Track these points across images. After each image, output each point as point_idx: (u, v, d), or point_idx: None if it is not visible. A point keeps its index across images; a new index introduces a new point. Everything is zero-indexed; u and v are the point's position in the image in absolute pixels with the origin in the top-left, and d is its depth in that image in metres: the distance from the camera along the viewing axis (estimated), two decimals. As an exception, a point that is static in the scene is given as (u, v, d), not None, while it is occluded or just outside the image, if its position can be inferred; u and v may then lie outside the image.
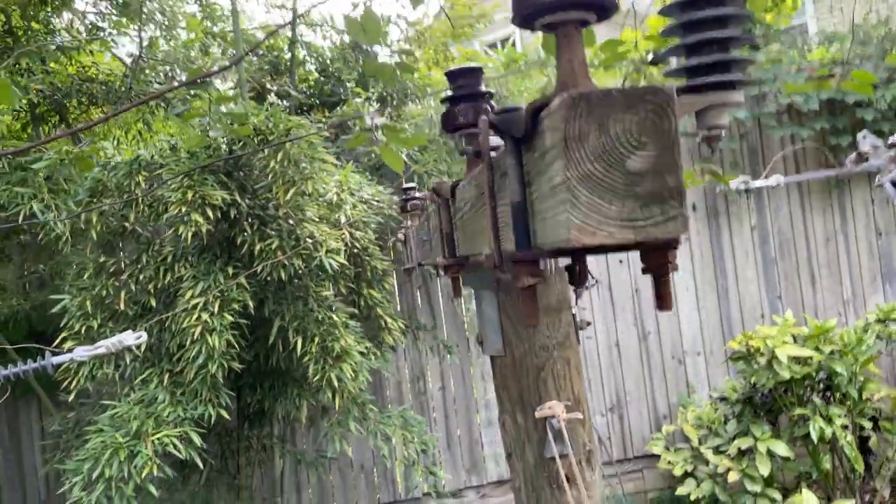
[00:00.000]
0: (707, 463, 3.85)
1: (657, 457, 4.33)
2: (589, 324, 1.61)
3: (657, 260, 0.63)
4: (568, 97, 0.56)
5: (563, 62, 0.68)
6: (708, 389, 4.63)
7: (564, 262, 1.35)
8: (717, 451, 3.87)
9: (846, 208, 4.81)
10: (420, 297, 4.46)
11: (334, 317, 2.78)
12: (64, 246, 2.70)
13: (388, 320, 3.26)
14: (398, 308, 4.40)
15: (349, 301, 3.22)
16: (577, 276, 1.40)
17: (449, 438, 4.52)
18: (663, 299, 0.71)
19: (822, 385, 3.84)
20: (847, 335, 3.70)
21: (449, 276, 1.05)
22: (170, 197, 2.54)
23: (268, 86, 3.73)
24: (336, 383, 2.67)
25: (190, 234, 2.51)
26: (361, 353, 2.83)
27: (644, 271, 0.70)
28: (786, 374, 3.51)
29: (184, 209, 2.51)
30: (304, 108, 3.92)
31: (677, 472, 4.02)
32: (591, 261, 4.65)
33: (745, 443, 3.68)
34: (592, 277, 1.38)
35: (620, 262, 4.68)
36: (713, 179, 1.83)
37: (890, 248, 4.83)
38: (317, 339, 2.70)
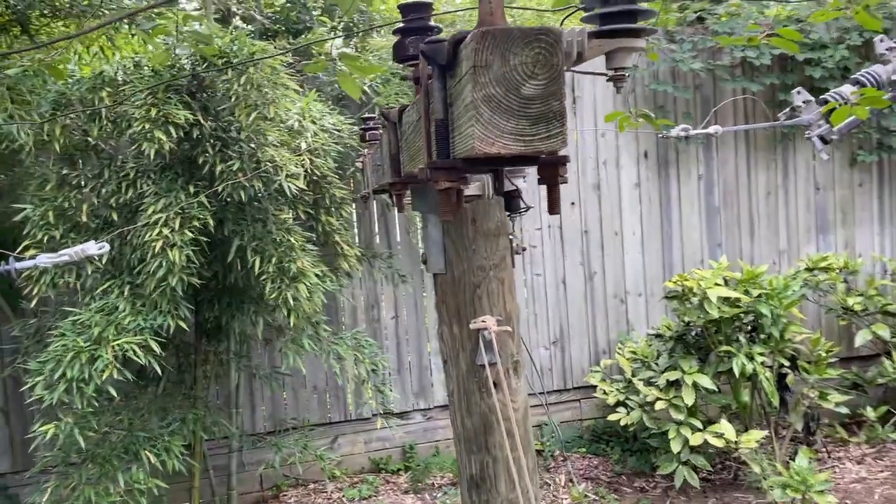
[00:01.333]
0: (638, 393, 4.13)
1: (594, 388, 4.61)
2: (524, 249, 1.77)
3: (550, 173, 0.78)
4: (478, 32, 0.70)
5: (483, 3, 0.81)
6: (646, 328, 4.90)
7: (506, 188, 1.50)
8: (648, 382, 4.14)
9: (789, 164, 5.05)
10: (378, 227, 4.59)
11: (292, 239, 2.90)
12: (27, 157, 2.75)
13: (345, 247, 3.40)
14: (357, 237, 4.53)
15: (307, 227, 3.35)
16: (511, 203, 1.56)
17: (400, 364, 4.72)
18: (553, 205, 0.86)
19: (749, 326, 4.12)
20: (775, 281, 3.96)
21: (394, 194, 1.18)
22: (133, 114, 2.60)
23: (233, 9, 3.74)
24: (291, 302, 2.82)
25: (153, 152, 2.59)
26: (317, 276, 2.97)
27: (540, 182, 0.84)
28: (714, 314, 3.77)
29: (147, 126, 2.58)
30: (269, 34, 3.94)
31: (611, 401, 4.30)
32: (545, 203, 4.80)
33: (673, 376, 3.96)
34: (525, 204, 1.53)
35: (572, 204, 4.86)
36: (647, 122, 1.97)
37: (825, 203, 5.10)
38: (274, 260, 2.83)
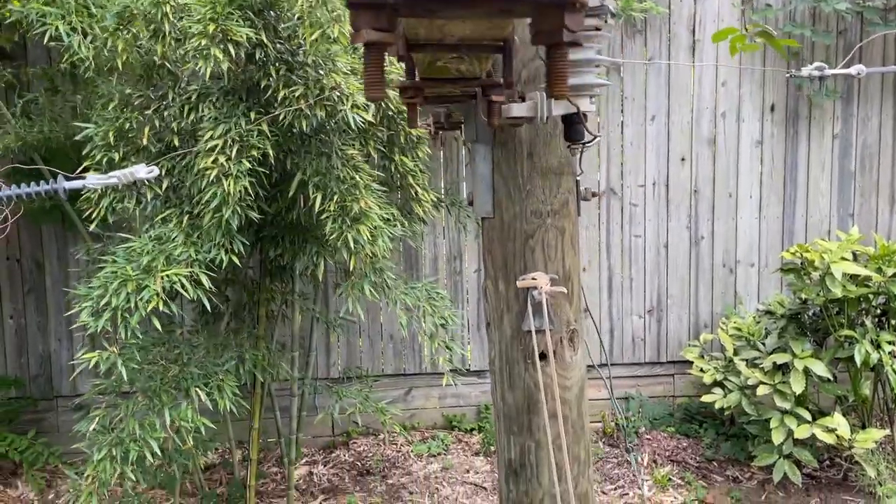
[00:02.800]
0: (739, 374, 3.69)
1: (690, 363, 4.20)
2: (595, 194, 1.44)
3: (550, 23, 0.47)
4: None
5: None
6: (756, 303, 4.41)
7: (559, 111, 1.17)
8: (751, 363, 3.70)
9: (946, 125, 4.33)
10: (465, 173, 4.31)
11: (357, 177, 2.66)
12: (86, 72, 2.63)
13: (420, 191, 3.13)
14: (441, 181, 4.27)
15: (380, 166, 3.10)
16: (573, 130, 1.23)
17: (479, 320, 4.47)
18: (555, 81, 0.54)
19: (878, 310, 3.58)
20: (916, 260, 3.39)
21: (404, 101, 0.89)
22: (190, 28, 2.41)
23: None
24: (352, 244, 2.60)
25: (209, 70, 2.39)
26: (386, 219, 2.73)
27: (535, 40, 0.53)
28: (838, 292, 3.27)
29: (203, 42, 2.38)
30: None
31: (707, 380, 3.88)
32: (652, 156, 4.38)
33: (781, 358, 3.49)
34: (590, 132, 1.20)
35: (682, 160, 4.39)
36: (768, 44, 1.56)
37: None
38: (336, 198, 2.61)
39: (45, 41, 2.60)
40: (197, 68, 2.40)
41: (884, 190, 4.40)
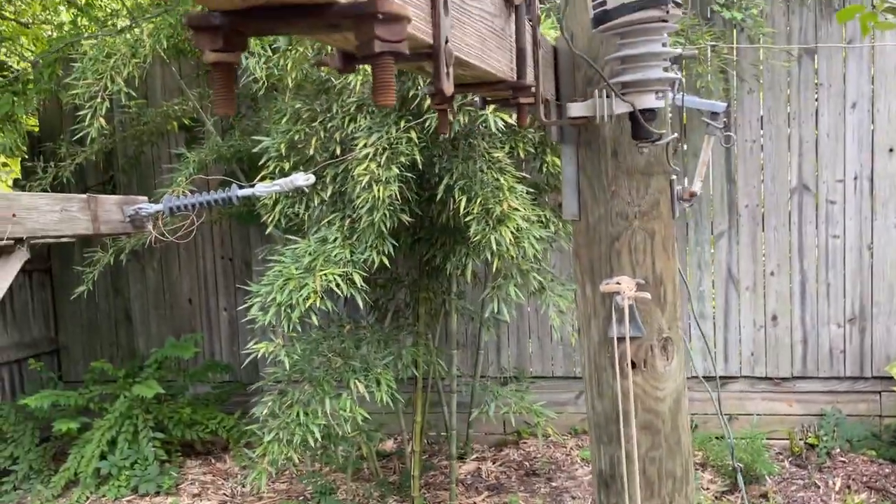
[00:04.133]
0: (952, 397, 3.20)
1: (894, 380, 3.71)
2: (694, 195, 1.35)
3: (365, 33, 0.47)
4: None
5: None
6: None
7: (621, 109, 1.11)
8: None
9: None
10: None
11: (501, 179, 2.70)
12: (261, 90, 2.92)
13: (573, 190, 3.09)
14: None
15: (532, 168, 3.11)
16: (638, 128, 1.17)
17: (652, 324, 4.29)
18: (378, 92, 0.53)
19: None
20: None
21: (433, 107, 0.90)
22: (344, 45, 2.59)
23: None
24: (495, 246, 2.63)
25: (358, 83, 2.55)
26: (533, 221, 2.74)
27: (357, 52, 0.53)
28: None
29: (354, 58, 2.55)
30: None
31: (915, 401, 3.41)
32: (853, 148, 3.91)
33: None
34: (652, 130, 1.12)
35: (891, 150, 3.89)
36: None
37: None
38: (479, 200, 2.66)
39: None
40: (349, 83, 2.57)
41: None
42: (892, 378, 3.88)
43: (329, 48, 2.42)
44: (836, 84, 3.94)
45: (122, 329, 5.13)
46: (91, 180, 4.83)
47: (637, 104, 1.08)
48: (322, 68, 2.86)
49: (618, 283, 1.31)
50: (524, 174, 2.87)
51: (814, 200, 4.03)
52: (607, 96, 1.10)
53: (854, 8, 1.41)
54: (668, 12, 1.03)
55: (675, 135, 1.16)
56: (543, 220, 2.97)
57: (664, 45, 1.08)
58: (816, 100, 3.97)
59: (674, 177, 1.36)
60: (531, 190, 2.85)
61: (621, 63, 1.12)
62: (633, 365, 1.36)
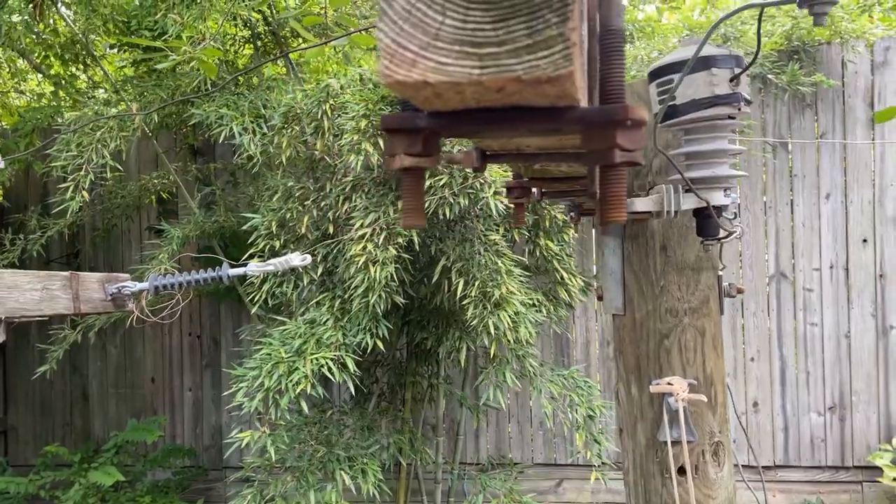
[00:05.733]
0: (942, 490, 3.18)
1: (880, 470, 3.69)
2: (741, 291, 1.32)
3: (602, 141, 0.41)
4: None
5: None
6: (963, 404, 3.83)
7: (688, 205, 1.08)
8: (958, 478, 3.18)
9: None
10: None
11: (499, 262, 2.66)
12: (254, 167, 2.86)
13: (565, 275, 3.06)
14: (588, 265, 4.16)
15: (525, 251, 3.08)
16: (705, 225, 1.13)
17: (635, 410, 4.23)
18: (610, 207, 0.48)
19: None
20: None
21: (511, 200, 0.86)
22: (345, 125, 2.56)
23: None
24: (493, 330, 2.57)
25: (359, 164, 2.52)
26: (528, 305, 2.69)
27: (585, 160, 0.48)
28: None
29: (356, 138, 2.52)
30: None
31: (902, 493, 3.38)
32: (828, 238, 4.02)
33: None
34: (726, 227, 1.10)
35: (864, 241, 3.99)
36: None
37: None
38: (477, 283, 2.60)
39: (222, 140, 2.87)
40: (350, 162, 2.53)
41: None
42: (873, 468, 3.86)
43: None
44: (810, 175, 4.06)
45: (78, 409, 4.85)
46: (54, 253, 4.64)
47: (713, 200, 1.04)
48: (319, 147, 2.83)
49: (669, 384, 1.25)
50: (522, 258, 2.83)
51: (791, 288, 4.09)
52: (674, 192, 1.07)
53: (892, 110, 1.44)
54: (739, 109, 1.02)
55: (739, 231, 1.14)
56: (536, 303, 2.93)
57: (730, 141, 1.06)
58: (791, 190, 4.08)
59: (720, 273, 1.33)
60: (526, 273, 2.81)
61: (686, 159, 1.09)
62: (683, 471, 1.28)
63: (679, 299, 1.28)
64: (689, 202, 1.06)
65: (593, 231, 4.16)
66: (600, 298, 1.38)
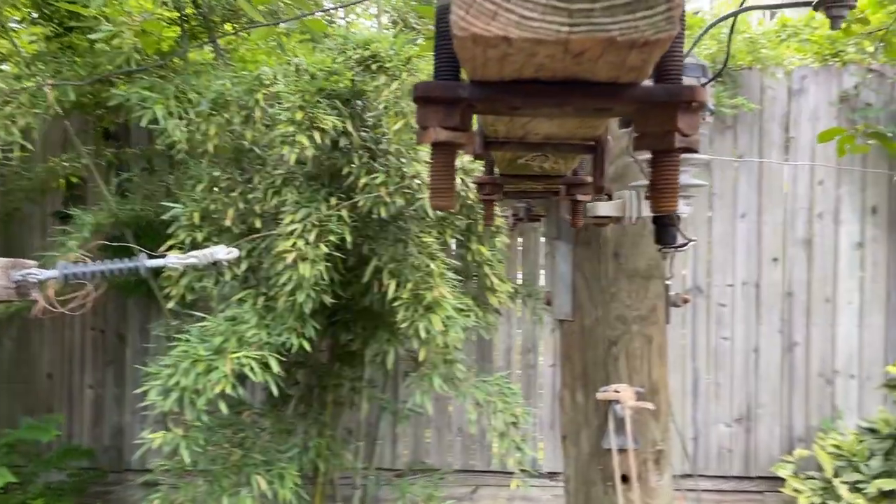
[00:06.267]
0: (839, 499, 3.35)
1: (782, 480, 3.85)
2: (686, 301, 1.32)
3: (659, 124, 0.38)
4: None
5: None
6: (857, 418, 4.04)
7: (650, 211, 1.08)
8: (853, 487, 3.35)
9: None
10: (543, 263, 4.21)
11: (432, 265, 2.61)
12: (178, 154, 2.72)
13: (496, 280, 3.05)
14: (518, 272, 4.18)
15: (456, 255, 3.06)
16: (665, 233, 1.13)
17: (553, 417, 4.27)
18: (662, 194, 0.45)
19: None
20: None
21: (481, 198, 0.82)
22: (279, 115, 2.47)
23: (412, 23, 3.60)
24: (423, 334, 2.52)
25: (293, 157, 2.42)
26: (459, 310, 2.66)
27: (638, 144, 0.44)
28: (955, 416, 2.94)
29: (290, 129, 2.42)
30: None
31: (802, 501, 3.54)
32: (742, 256, 4.18)
33: (888, 485, 3.15)
34: (684, 236, 1.10)
35: (775, 260, 4.17)
36: (881, 144, 1.43)
37: None
38: (410, 285, 2.55)
39: (145, 124, 2.71)
40: (284, 154, 2.44)
41: None
42: (776, 478, 4.03)
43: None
44: (727, 195, 4.21)
45: (-35, 405, 4.50)
46: (-53, 236, 4.30)
47: (670, 208, 1.04)
48: (248, 137, 2.71)
49: (616, 391, 1.24)
50: (454, 261, 2.80)
51: (706, 303, 4.22)
52: (636, 198, 1.06)
53: (836, 130, 1.49)
54: (704, 119, 1.01)
55: (695, 240, 1.14)
56: (466, 308, 2.90)
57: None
58: (710, 207, 4.22)
59: (668, 282, 1.33)
60: (458, 277, 2.78)
61: (646, 165, 1.08)
62: (626, 479, 1.27)
63: (629, 306, 1.27)
64: (650, 209, 1.05)
65: (520, 239, 4.19)
66: (548, 304, 1.36)
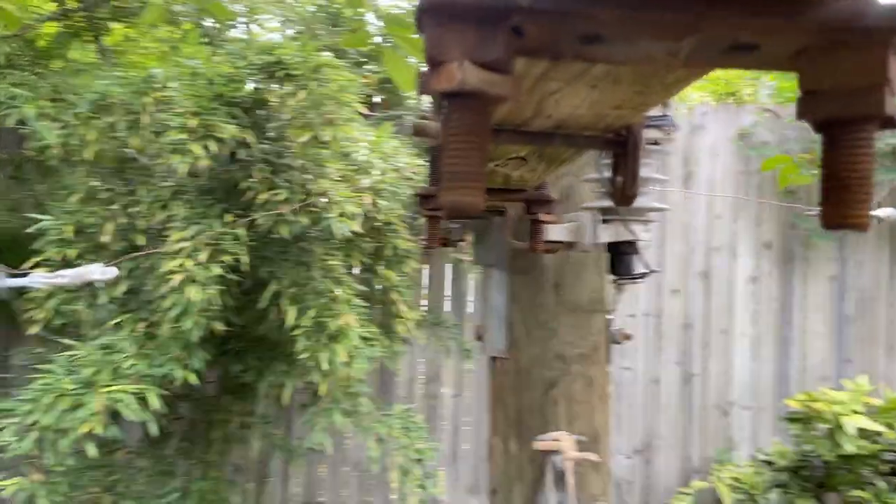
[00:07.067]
0: (739, 533, 3.36)
1: (682, 514, 3.85)
2: (628, 337, 1.21)
3: (857, 70, 0.24)
4: None
5: None
6: (751, 449, 4.12)
7: (607, 237, 0.95)
8: (752, 521, 3.37)
9: (942, 274, 4.24)
10: (451, 291, 4.08)
11: (337, 291, 2.42)
12: (51, 160, 2.42)
13: (403, 308, 2.89)
14: (423, 299, 4.03)
15: (363, 279, 2.87)
16: (622, 262, 1.00)
17: (454, 451, 4.12)
18: (853, 197, 0.30)
19: (888, 468, 3.30)
20: (928, 416, 3.17)
21: (423, 213, 0.67)
22: (170, 122, 2.22)
23: (318, 32, 3.42)
24: (326, 366, 2.32)
25: (185, 167, 2.18)
26: (364, 339, 2.47)
27: (808, 109, 0.30)
28: (850, 448, 3.01)
29: (184, 137, 2.18)
30: (356, 67, 3.60)
31: (702, 535, 3.53)
32: (644, 287, 4.20)
33: (787, 518, 3.18)
34: (645, 265, 0.98)
35: (675, 292, 4.21)
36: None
37: None
38: (312, 312, 2.35)
39: (13, 125, 2.39)
40: (173, 164, 2.19)
41: (881, 338, 4.24)
42: (674, 510, 4.03)
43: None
44: (631, 226, 4.23)
45: None
46: None
47: (629, 234, 0.92)
48: (133, 145, 2.44)
49: (556, 440, 1.10)
50: (360, 286, 2.62)
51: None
52: (593, 221, 0.93)
53: (779, 158, 1.43)
54: (668, 134, 0.90)
55: (658, 270, 1.02)
56: (371, 336, 2.71)
57: (657, 169, 0.94)
58: (614, 239, 4.22)
59: (610, 317, 1.21)
60: (364, 304, 2.59)
61: (602, 186, 0.96)
62: (563, 539, 1.13)
63: (569, 343, 1.14)
64: (609, 234, 0.93)
65: (441, 263, 4.04)
66: (479, 338, 1.20)
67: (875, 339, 4.24)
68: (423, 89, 0.26)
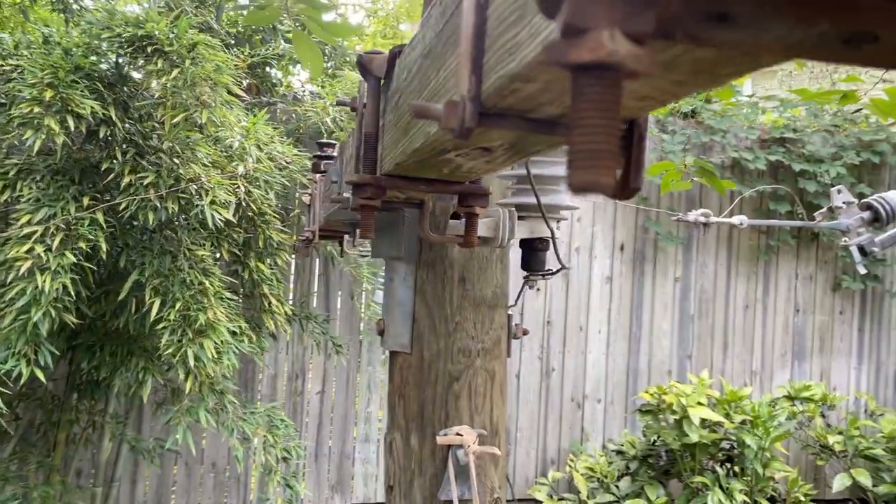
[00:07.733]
0: (593, 519, 3.53)
1: (539, 503, 4.00)
2: (526, 332, 1.23)
3: None
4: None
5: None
6: (602, 439, 4.35)
7: (522, 233, 0.96)
8: (606, 508, 3.56)
9: (770, 279, 4.68)
10: (318, 286, 3.99)
11: (206, 282, 2.29)
12: None
13: (274, 302, 2.79)
14: (290, 292, 3.92)
15: (231, 271, 2.74)
16: (533, 258, 1.01)
17: (318, 449, 4.04)
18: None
19: (723, 455, 3.61)
20: (759, 407, 3.48)
21: (359, 201, 0.64)
22: (21, 92, 2.01)
23: (187, 9, 3.22)
24: (192, 362, 2.18)
25: (38, 143, 1.98)
26: (232, 333, 2.36)
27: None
28: (694, 437, 3.25)
29: (36, 110, 1.98)
30: (226, 46, 3.43)
31: (559, 524, 3.69)
32: (511, 283, 4.31)
33: (637, 504, 3.39)
34: (560, 261, 0.99)
35: (538, 290, 4.36)
36: (703, 182, 1.51)
37: (804, 327, 4.72)
38: (178, 305, 2.21)
39: None
40: (24, 139, 1.98)
41: (718, 335, 4.62)
42: (533, 501, 4.18)
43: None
44: (498, 225, 4.34)
45: None
46: None
47: (543, 231, 0.92)
48: None
49: (458, 435, 1.10)
50: (229, 278, 2.49)
51: (474, 329, 4.29)
52: (510, 218, 0.93)
53: (665, 164, 1.50)
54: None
55: (569, 267, 1.03)
56: (240, 331, 2.60)
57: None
58: (482, 237, 4.31)
59: (511, 312, 1.22)
60: (234, 297, 2.48)
61: (517, 182, 0.96)
62: (462, 534, 1.13)
63: (473, 338, 1.14)
64: (524, 230, 0.93)
65: (298, 259, 3.93)
66: (381, 333, 1.18)
67: (713, 337, 4.61)
68: (556, 60, 0.23)
